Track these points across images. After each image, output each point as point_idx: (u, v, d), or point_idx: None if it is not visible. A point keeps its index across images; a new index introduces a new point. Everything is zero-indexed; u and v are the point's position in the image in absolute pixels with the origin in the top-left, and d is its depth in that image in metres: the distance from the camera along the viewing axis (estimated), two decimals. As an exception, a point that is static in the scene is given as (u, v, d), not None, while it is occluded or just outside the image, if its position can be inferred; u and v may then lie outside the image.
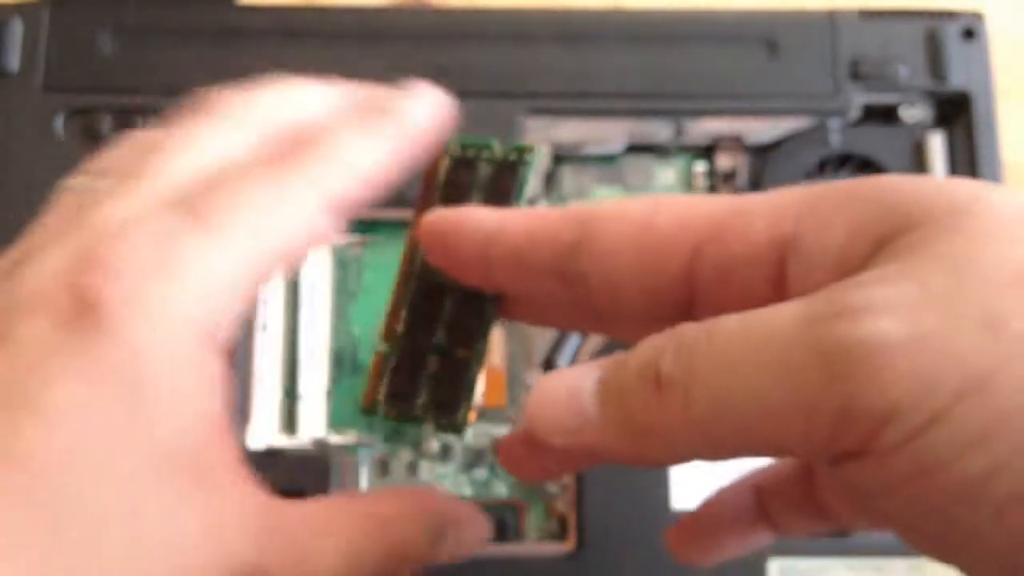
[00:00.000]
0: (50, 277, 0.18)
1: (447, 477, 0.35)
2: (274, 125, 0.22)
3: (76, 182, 0.21)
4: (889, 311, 0.16)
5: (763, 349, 0.16)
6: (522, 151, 0.23)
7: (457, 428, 0.23)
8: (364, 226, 0.36)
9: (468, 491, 0.35)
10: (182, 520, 0.18)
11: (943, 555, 0.17)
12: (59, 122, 0.36)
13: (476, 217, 0.21)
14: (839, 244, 0.17)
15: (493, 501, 0.35)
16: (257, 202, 0.19)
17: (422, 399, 0.23)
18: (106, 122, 0.36)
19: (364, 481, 0.34)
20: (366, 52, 0.37)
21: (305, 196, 0.20)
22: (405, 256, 0.24)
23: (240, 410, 0.34)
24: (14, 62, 0.36)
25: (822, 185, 0.18)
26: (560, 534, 0.34)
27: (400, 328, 0.23)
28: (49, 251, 0.19)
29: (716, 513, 0.23)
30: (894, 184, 0.18)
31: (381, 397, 0.23)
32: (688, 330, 0.18)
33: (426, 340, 0.23)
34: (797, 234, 0.18)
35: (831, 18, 0.38)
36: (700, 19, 0.38)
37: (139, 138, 0.22)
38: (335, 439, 0.34)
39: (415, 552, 0.21)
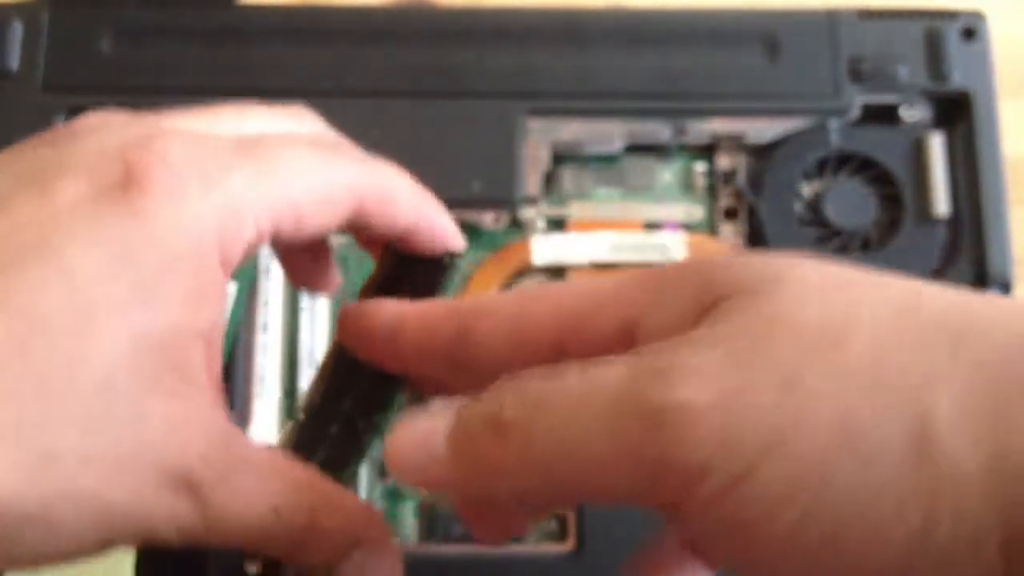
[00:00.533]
0: (106, 147, 0.20)
1: (447, 477, 0.35)
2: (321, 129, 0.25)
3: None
4: (697, 374, 0.17)
5: (593, 400, 0.18)
6: (453, 256, 0.26)
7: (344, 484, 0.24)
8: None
9: (468, 491, 0.35)
10: (148, 412, 0.19)
11: None
12: (59, 122, 0.36)
13: (383, 310, 0.23)
14: (673, 322, 0.19)
15: (493, 501, 0.35)
16: (301, 162, 0.21)
17: (319, 456, 0.24)
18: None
19: (364, 481, 0.34)
20: (366, 52, 0.37)
21: (338, 174, 0.22)
22: (334, 334, 0.26)
23: (240, 410, 0.34)
24: (14, 62, 0.36)
25: (658, 269, 0.20)
26: (560, 534, 0.34)
27: (317, 398, 0.25)
28: (112, 130, 0.21)
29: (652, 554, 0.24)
30: (720, 262, 0.19)
31: (288, 447, 0.25)
32: (530, 378, 0.19)
33: (335, 408, 0.25)
34: (640, 317, 0.20)
35: (831, 18, 0.38)
36: (700, 19, 0.38)
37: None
38: (335, 439, 0.34)
39: (318, 549, 0.22)
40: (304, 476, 0.22)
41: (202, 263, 0.20)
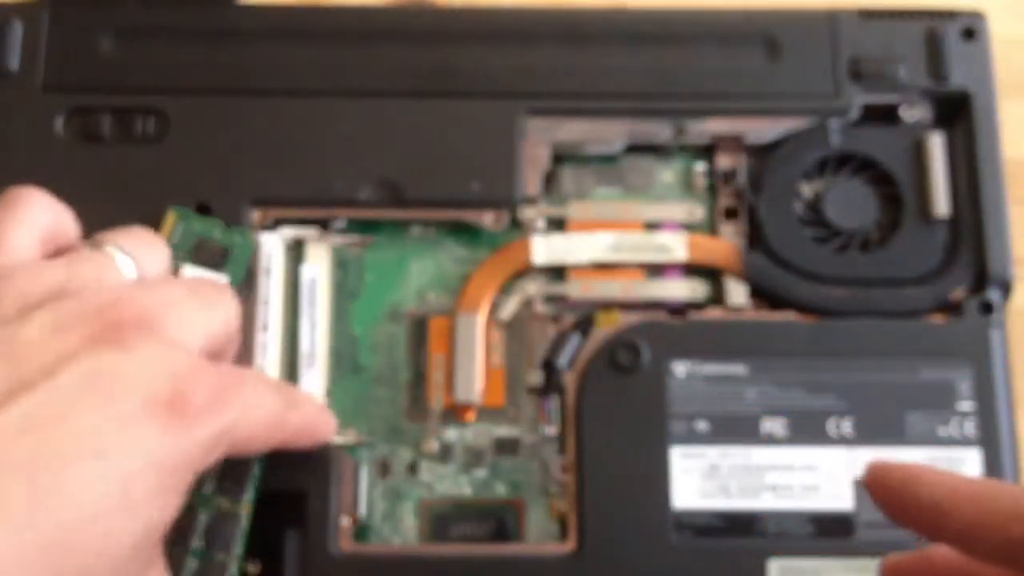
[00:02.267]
0: (155, 371, 0.25)
1: (447, 477, 0.35)
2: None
3: (120, 259, 0.29)
4: None
5: None
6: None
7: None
8: (364, 226, 0.36)
9: (468, 491, 0.35)
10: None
11: None
12: (59, 122, 0.36)
13: (928, 480, 0.23)
14: None
15: (493, 501, 0.35)
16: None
17: (197, 543, 0.29)
18: (106, 122, 0.36)
19: (364, 481, 0.34)
20: (366, 52, 0.37)
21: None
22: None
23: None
24: (14, 62, 0.36)
25: None
26: (560, 534, 0.34)
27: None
28: (146, 341, 0.25)
29: None
30: None
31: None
32: None
33: (198, 494, 0.29)
34: None
35: (831, 18, 0.38)
36: (700, 19, 0.38)
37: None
38: (335, 439, 0.34)
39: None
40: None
41: (184, 479, 0.25)
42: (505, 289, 0.36)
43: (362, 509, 0.34)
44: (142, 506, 0.24)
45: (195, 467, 0.25)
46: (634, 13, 0.38)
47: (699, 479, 0.33)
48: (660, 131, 0.37)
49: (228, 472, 0.29)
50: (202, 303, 0.28)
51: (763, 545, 0.33)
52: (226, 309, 0.29)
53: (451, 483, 0.35)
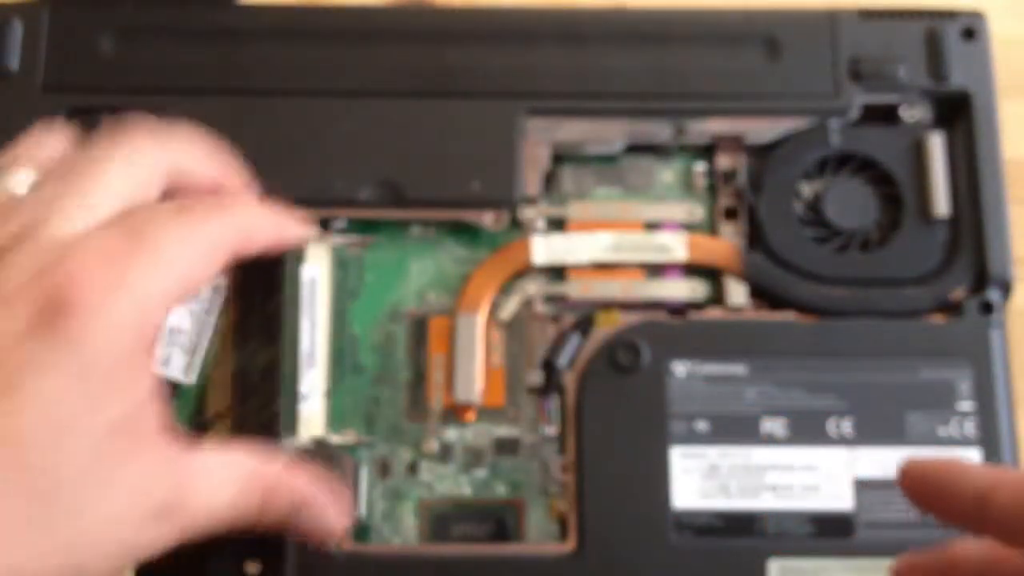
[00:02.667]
0: (19, 283, 0.24)
1: (447, 477, 0.35)
2: (176, 173, 0.28)
3: (14, 180, 0.27)
4: None
5: None
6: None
7: None
8: (364, 226, 0.36)
9: (468, 491, 0.35)
10: (125, 474, 0.25)
11: None
12: (59, 122, 0.36)
13: (969, 471, 0.24)
14: None
15: (493, 501, 0.35)
16: (179, 232, 0.26)
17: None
18: (106, 122, 0.36)
19: (364, 481, 0.34)
20: (366, 52, 0.37)
21: (213, 236, 0.27)
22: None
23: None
24: (14, 62, 0.36)
25: None
26: (560, 534, 0.34)
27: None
28: (15, 256, 0.25)
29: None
30: None
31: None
32: None
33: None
34: None
35: (831, 18, 0.38)
36: (700, 19, 0.38)
37: (64, 142, 0.29)
38: (335, 439, 0.34)
39: (274, 516, 0.28)
40: (250, 467, 0.28)
41: (130, 358, 0.25)
42: (505, 289, 0.36)
43: (362, 509, 0.34)
44: (92, 409, 0.24)
45: (131, 345, 0.25)
46: (634, 13, 0.38)
47: (699, 479, 0.33)
48: (660, 131, 0.37)
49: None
50: (82, 180, 0.26)
51: (763, 545, 0.33)
52: (130, 160, 0.27)
53: (451, 483, 0.35)
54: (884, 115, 0.37)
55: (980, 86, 0.37)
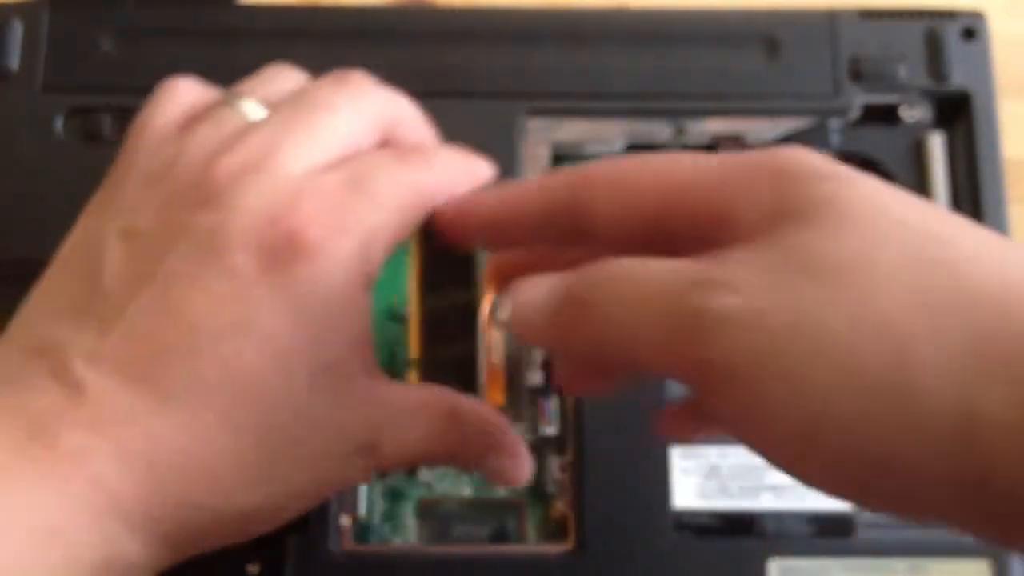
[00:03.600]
0: (253, 221, 0.25)
1: (447, 477, 0.35)
2: (392, 127, 0.29)
3: (247, 106, 0.28)
4: (736, 291, 0.21)
5: (651, 294, 0.22)
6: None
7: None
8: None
9: (468, 491, 0.35)
10: (331, 410, 0.25)
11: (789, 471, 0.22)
12: (59, 122, 0.36)
13: (495, 192, 0.28)
14: (748, 229, 0.22)
15: (493, 501, 0.35)
16: (398, 180, 0.26)
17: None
18: (106, 122, 0.36)
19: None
20: (366, 52, 0.37)
21: (428, 186, 0.27)
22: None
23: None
24: (14, 62, 0.36)
25: (753, 164, 0.23)
26: (560, 534, 0.34)
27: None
28: (246, 190, 0.25)
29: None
30: (798, 176, 0.22)
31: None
32: (611, 266, 0.23)
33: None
34: (728, 212, 0.23)
35: (831, 18, 0.38)
36: (700, 19, 0.38)
37: (294, 80, 0.30)
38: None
39: (463, 459, 0.29)
40: (445, 407, 0.27)
41: (354, 300, 0.25)
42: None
43: (362, 509, 0.34)
44: (315, 349, 0.25)
45: (355, 287, 0.25)
46: (634, 13, 0.38)
47: (699, 479, 0.33)
48: (660, 131, 0.37)
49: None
50: (310, 119, 0.27)
51: (763, 545, 0.33)
52: (356, 106, 0.28)
53: (451, 483, 0.35)
54: (884, 115, 0.37)
55: (980, 86, 0.37)
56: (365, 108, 0.28)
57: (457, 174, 0.28)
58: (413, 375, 0.33)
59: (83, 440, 0.23)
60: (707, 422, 0.27)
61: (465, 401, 0.28)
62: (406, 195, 0.27)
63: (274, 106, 0.28)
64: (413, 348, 0.33)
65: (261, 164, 0.25)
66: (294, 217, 0.25)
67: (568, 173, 0.26)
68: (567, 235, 0.26)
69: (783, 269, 0.20)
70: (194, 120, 0.28)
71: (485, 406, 0.29)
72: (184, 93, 0.29)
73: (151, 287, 0.24)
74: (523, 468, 0.29)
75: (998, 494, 0.19)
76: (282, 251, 0.24)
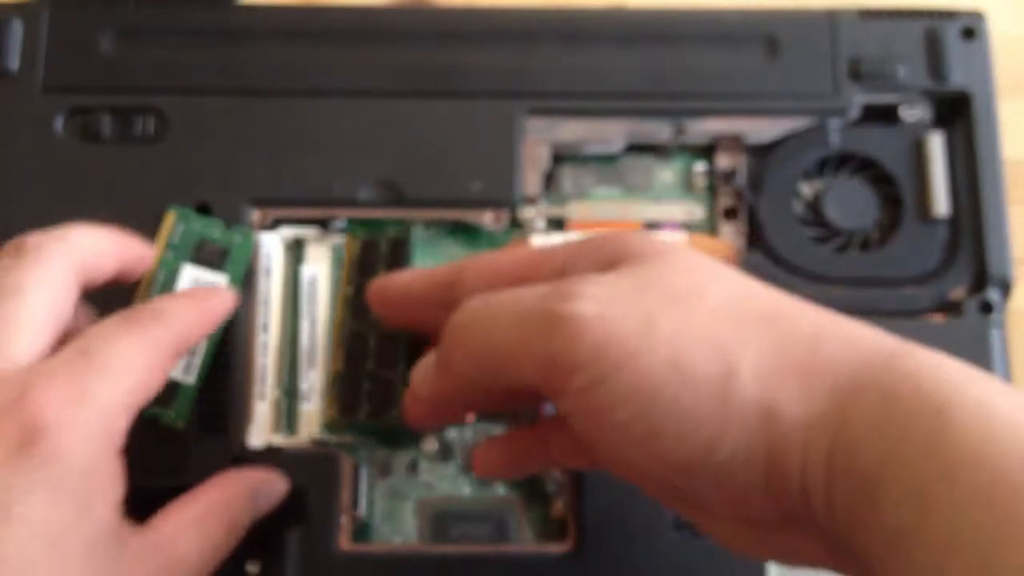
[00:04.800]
0: None
1: (447, 477, 0.35)
2: (91, 265, 0.30)
3: None
4: (590, 299, 0.24)
5: (514, 309, 0.26)
6: (407, 227, 0.35)
7: (397, 419, 0.33)
8: (364, 226, 0.36)
9: (468, 491, 0.35)
10: (117, 569, 0.26)
11: (615, 471, 0.26)
12: (59, 122, 0.36)
13: (399, 276, 0.32)
14: (590, 270, 0.26)
15: (493, 501, 0.35)
16: (127, 344, 0.28)
17: (363, 411, 0.33)
18: (106, 122, 0.36)
19: (364, 481, 0.34)
20: (366, 52, 0.37)
21: (158, 342, 0.29)
22: (336, 314, 0.35)
23: (240, 410, 0.34)
24: (14, 62, 0.36)
25: (586, 239, 0.28)
26: (560, 534, 0.34)
27: (339, 366, 0.34)
28: None
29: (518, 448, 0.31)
30: (625, 238, 0.27)
31: (335, 414, 0.33)
32: (483, 295, 0.27)
33: (360, 370, 0.34)
34: (569, 265, 0.27)
35: (831, 18, 0.38)
36: (700, 19, 0.38)
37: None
38: (335, 439, 0.34)
39: (245, 520, 0.30)
40: (201, 505, 0.29)
41: (105, 464, 0.27)
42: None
43: (362, 509, 0.34)
44: (79, 517, 0.26)
45: (103, 452, 0.26)
46: (634, 13, 0.38)
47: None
48: (660, 131, 0.37)
49: (384, 353, 0.34)
50: (6, 310, 0.28)
51: (763, 545, 0.33)
52: (41, 278, 0.28)
53: (451, 483, 0.35)
54: (884, 115, 0.37)
55: (980, 86, 0.37)
56: (51, 274, 0.28)
57: (193, 318, 0.30)
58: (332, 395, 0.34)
59: None
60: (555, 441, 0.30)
61: (215, 494, 0.30)
62: (137, 357, 0.28)
63: None
64: (336, 362, 0.34)
65: None
66: (26, 403, 0.26)
67: (448, 264, 0.30)
68: (448, 307, 0.28)
69: (633, 289, 0.25)
70: None
71: (225, 484, 0.31)
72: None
73: None
74: (280, 488, 0.32)
75: (793, 485, 0.23)
76: (23, 436, 0.25)
